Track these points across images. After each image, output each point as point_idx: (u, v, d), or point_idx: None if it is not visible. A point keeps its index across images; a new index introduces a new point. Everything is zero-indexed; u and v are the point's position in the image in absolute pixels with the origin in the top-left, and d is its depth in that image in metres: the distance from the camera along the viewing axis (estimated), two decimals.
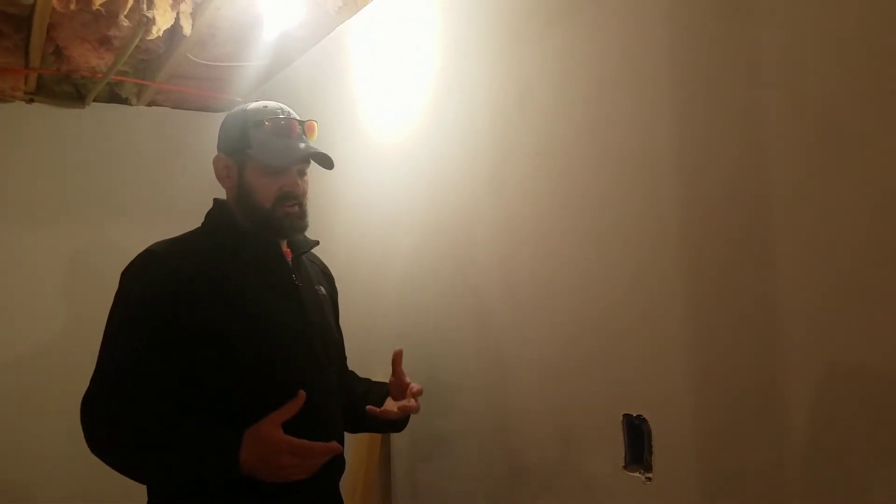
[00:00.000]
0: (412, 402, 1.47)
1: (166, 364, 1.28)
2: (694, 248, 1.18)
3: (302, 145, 1.43)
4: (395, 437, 2.10)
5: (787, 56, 1.04)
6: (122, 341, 1.30)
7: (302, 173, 1.46)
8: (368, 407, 1.46)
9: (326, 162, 1.48)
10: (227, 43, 2.54)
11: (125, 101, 3.12)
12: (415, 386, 1.50)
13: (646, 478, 1.26)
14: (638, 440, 1.28)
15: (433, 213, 1.87)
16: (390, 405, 1.50)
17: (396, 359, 1.54)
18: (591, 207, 1.37)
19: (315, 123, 1.50)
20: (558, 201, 1.45)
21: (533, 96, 1.52)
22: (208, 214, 1.49)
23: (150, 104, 3.18)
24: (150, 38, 2.28)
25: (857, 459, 0.95)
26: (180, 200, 3.00)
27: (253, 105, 1.47)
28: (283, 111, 1.45)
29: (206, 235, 1.44)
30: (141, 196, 3.12)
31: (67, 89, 2.97)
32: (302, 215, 1.44)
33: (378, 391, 1.58)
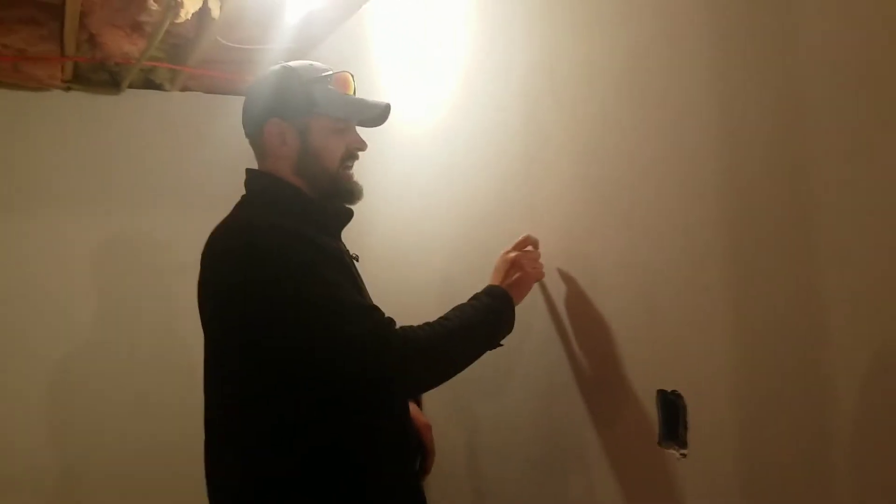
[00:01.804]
0: None
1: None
2: (735, 223, 1.14)
3: (369, 100, 1.39)
4: (427, 412, 2.11)
5: (828, 21, 0.99)
6: (342, 293, 1.20)
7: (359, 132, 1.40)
8: None
9: (383, 117, 1.42)
10: (255, 25, 2.55)
11: (159, 87, 3.16)
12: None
13: (680, 454, 1.25)
14: (673, 416, 1.26)
15: (466, 203, 1.86)
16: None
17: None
18: (627, 186, 1.35)
19: (352, 76, 1.44)
20: (592, 182, 1.43)
21: (564, 73, 1.49)
22: (254, 189, 1.35)
23: (183, 89, 3.21)
24: (179, 21, 2.30)
25: None
26: (213, 186, 3.03)
27: (296, 64, 1.37)
28: (339, 70, 1.39)
29: (277, 212, 1.27)
30: (176, 182, 3.16)
31: (103, 76, 3.01)
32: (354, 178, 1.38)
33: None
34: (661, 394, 1.28)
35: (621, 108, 1.34)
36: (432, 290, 2.01)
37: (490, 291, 1.37)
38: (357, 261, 1.44)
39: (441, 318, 1.30)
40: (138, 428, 2.95)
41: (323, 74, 1.34)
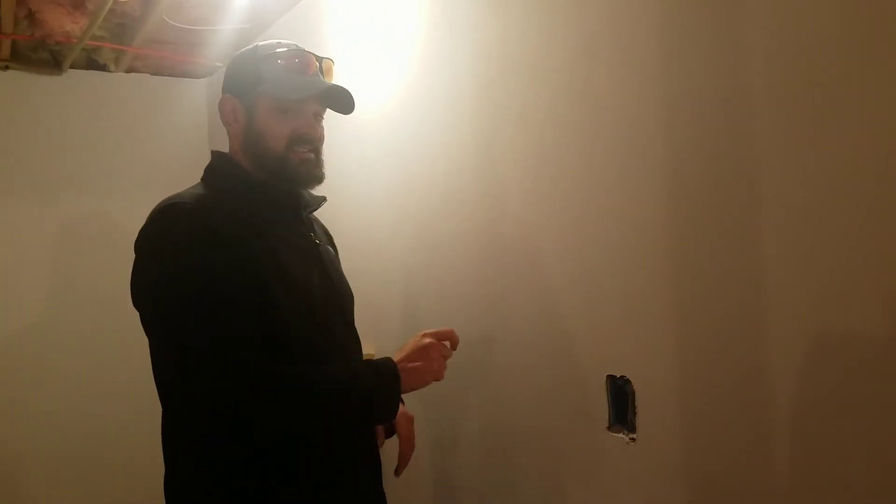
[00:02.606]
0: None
1: (253, 324, 1.14)
2: (679, 211, 1.17)
3: (322, 82, 1.30)
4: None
5: (775, 24, 1.02)
6: (208, 314, 1.10)
7: (318, 117, 1.31)
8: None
9: (346, 103, 1.31)
10: (203, 5, 2.48)
11: (103, 68, 3.06)
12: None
13: (630, 438, 1.27)
14: (622, 401, 1.29)
15: (418, 186, 1.85)
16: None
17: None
18: (574, 173, 1.36)
19: (332, 63, 1.35)
20: (543, 170, 1.43)
21: (516, 63, 1.49)
22: (210, 168, 1.31)
23: (128, 70, 3.11)
24: (123, 0, 2.22)
25: (848, 423, 0.95)
26: (162, 168, 2.96)
27: (264, 42, 1.32)
28: (298, 48, 1.30)
29: (216, 190, 1.25)
30: (122, 165, 3.07)
31: (43, 56, 2.90)
32: (318, 163, 1.29)
33: None
34: (611, 379, 1.30)
35: (572, 99, 1.35)
36: (387, 278, 2.01)
37: (384, 368, 1.19)
38: (323, 244, 1.38)
39: (325, 369, 1.20)
40: (91, 408, 2.90)
41: (273, 51, 1.28)
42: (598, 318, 1.32)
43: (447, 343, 1.28)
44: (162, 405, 1.22)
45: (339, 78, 2.18)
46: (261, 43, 1.32)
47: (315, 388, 1.13)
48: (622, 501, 1.30)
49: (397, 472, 1.37)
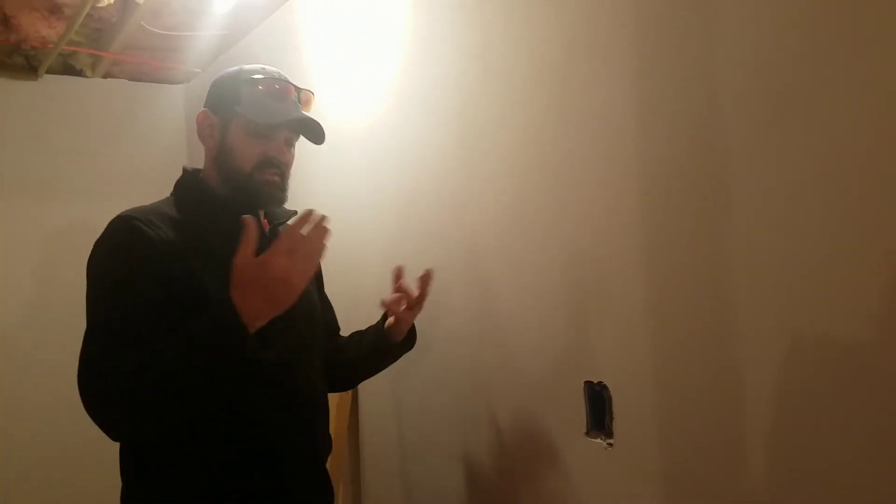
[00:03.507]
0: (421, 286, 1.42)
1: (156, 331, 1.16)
2: (655, 217, 1.18)
3: (296, 112, 1.35)
4: (364, 404, 2.10)
5: (748, 29, 1.04)
6: (113, 318, 1.16)
7: (289, 144, 1.36)
8: (382, 301, 1.43)
9: (318, 134, 1.38)
10: (182, 11, 2.47)
11: (80, 73, 3.03)
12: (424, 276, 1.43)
13: (607, 444, 1.28)
14: (599, 407, 1.30)
15: (404, 187, 1.86)
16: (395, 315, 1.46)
17: (398, 273, 1.47)
18: (553, 173, 1.37)
19: (312, 95, 1.41)
20: (522, 170, 1.45)
21: (498, 61, 1.50)
22: (178, 183, 1.38)
23: (105, 76, 3.09)
24: (101, 5, 2.21)
25: (820, 425, 0.97)
26: (139, 175, 2.94)
27: (250, 66, 1.38)
28: (280, 75, 1.37)
29: (180, 204, 1.33)
30: (97, 171, 3.04)
31: (18, 61, 2.87)
32: (283, 187, 1.34)
33: (373, 328, 1.55)
34: (588, 385, 1.31)
35: (550, 102, 1.37)
36: (371, 281, 2.00)
37: (214, 307, 1.12)
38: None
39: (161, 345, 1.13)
40: (71, 410, 2.85)
41: (256, 76, 1.34)
42: (576, 325, 1.33)
43: (307, 227, 1.12)
44: None
45: (318, 84, 2.19)
46: (247, 66, 1.38)
47: (142, 370, 1.11)
48: None
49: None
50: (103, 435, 1.16)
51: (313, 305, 1.47)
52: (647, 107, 1.18)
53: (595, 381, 1.30)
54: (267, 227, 1.38)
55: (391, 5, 1.84)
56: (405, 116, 1.81)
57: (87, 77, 3.05)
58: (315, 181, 2.24)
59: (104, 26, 2.62)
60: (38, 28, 2.50)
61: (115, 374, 1.12)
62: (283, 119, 1.32)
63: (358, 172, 2.04)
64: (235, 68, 1.38)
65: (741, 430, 1.06)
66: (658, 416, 1.19)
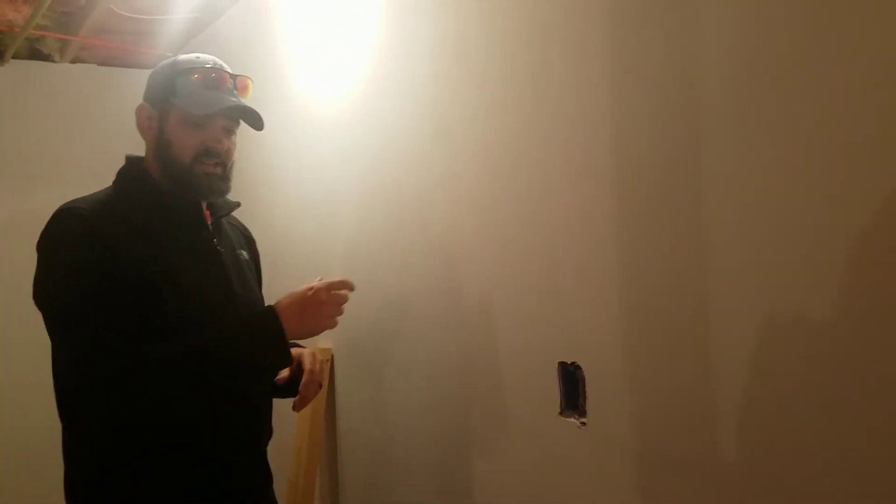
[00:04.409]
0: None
1: (132, 327, 1.20)
2: (627, 199, 1.20)
3: (231, 99, 1.35)
4: (340, 405, 2.11)
5: (725, 24, 1.05)
6: (87, 310, 1.18)
7: (228, 132, 1.36)
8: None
9: (255, 120, 1.39)
10: None
11: (48, 58, 2.98)
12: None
13: (580, 423, 1.30)
14: (573, 387, 1.32)
15: (378, 177, 1.85)
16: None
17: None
18: (528, 162, 1.38)
19: (249, 81, 1.42)
20: (498, 160, 1.45)
21: (472, 49, 1.50)
22: (121, 172, 1.38)
23: (74, 61, 3.04)
24: None
25: (791, 402, 0.99)
26: (109, 162, 2.86)
27: (185, 56, 1.38)
28: (215, 63, 1.36)
29: (122, 195, 1.33)
30: (67, 158, 2.99)
31: None
32: (224, 177, 1.35)
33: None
34: (562, 366, 1.33)
35: (524, 93, 1.37)
36: (338, 263, 2.00)
37: (259, 316, 1.26)
38: (228, 250, 1.42)
39: (189, 340, 1.22)
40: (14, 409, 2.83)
41: (190, 66, 1.34)
42: (550, 306, 1.35)
43: (345, 291, 1.29)
44: (56, 401, 1.27)
45: (289, 70, 2.18)
46: (181, 56, 1.39)
47: (176, 364, 1.18)
48: (575, 484, 1.33)
49: (295, 406, 1.41)
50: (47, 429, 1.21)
51: (255, 297, 1.48)
52: (621, 104, 1.19)
53: (569, 362, 1.32)
54: (210, 220, 1.39)
55: None
56: (378, 106, 1.80)
57: (55, 62, 2.99)
58: (282, 169, 2.23)
59: (72, 10, 2.58)
60: (5, 11, 2.46)
61: (142, 367, 1.16)
62: (218, 108, 1.32)
63: (327, 161, 2.03)
64: (170, 59, 1.39)
65: (714, 408, 1.08)
66: (631, 395, 1.21)
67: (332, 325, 1.28)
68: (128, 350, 1.16)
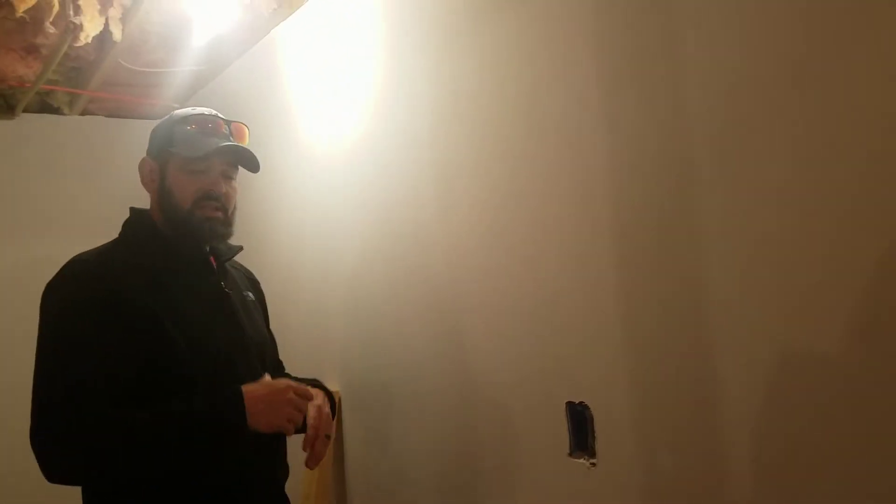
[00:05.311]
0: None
1: (123, 375, 1.21)
2: (626, 240, 1.21)
3: (226, 142, 1.37)
4: (348, 438, 2.09)
5: (705, 54, 1.08)
6: (73, 360, 1.20)
7: (227, 176, 1.38)
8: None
9: (251, 162, 1.40)
10: (160, 48, 2.49)
11: (57, 111, 3.03)
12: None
13: (590, 463, 1.29)
14: (581, 427, 1.31)
15: (379, 219, 1.87)
16: None
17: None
18: (528, 204, 1.40)
19: (245, 127, 1.44)
20: (498, 201, 1.47)
21: (469, 97, 1.53)
22: (126, 223, 1.41)
23: (83, 113, 3.09)
24: (78, 45, 2.22)
25: (803, 438, 0.98)
26: (117, 212, 2.90)
27: (182, 109, 1.43)
28: (210, 112, 1.40)
29: (129, 245, 1.36)
30: (76, 209, 3.01)
31: None
32: (226, 222, 1.37)
33: None
34: (570, 405, 1.32)
35: (521, 132, 1.40)
36: (340, 303, 2.01)
37: (224, 394, 1.22)
38: (236, 292, 1.44)
39: (155, 413, 1.19)
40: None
41: (186, 116, 1.37)
42: (556, 346, 1.35)
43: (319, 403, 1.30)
44: None
45: (292, 118, 2.22)
46: (179, 110, 1.43)
47: (133, 431, 1.18)
48: None
49: (307, 463, 1.35)
50: None
51: (265, 338, 1.50)
52: (616, 138, 1.22)
53: (577, 402, 1.31)
54: (215, 264, 1.41)
55: (366, 41, 1.88)
56: (378, 150, 1.83)
57: (64, 115, 3.05)
58: (287, 212, 2.25)
59: (81, 65, 2.64)
60: (15, 68, 2.51)
61: (95, 427, 1.16)
62: (212, 151, 1.34)
63: (330, 203, 2.05)
64: (168, 115, 1.43)
65: (724, 446, 1.08)
66: (641, 434, 1.21)
67: (289, 430, 1.25)
68: (85, 406, 1.17)
